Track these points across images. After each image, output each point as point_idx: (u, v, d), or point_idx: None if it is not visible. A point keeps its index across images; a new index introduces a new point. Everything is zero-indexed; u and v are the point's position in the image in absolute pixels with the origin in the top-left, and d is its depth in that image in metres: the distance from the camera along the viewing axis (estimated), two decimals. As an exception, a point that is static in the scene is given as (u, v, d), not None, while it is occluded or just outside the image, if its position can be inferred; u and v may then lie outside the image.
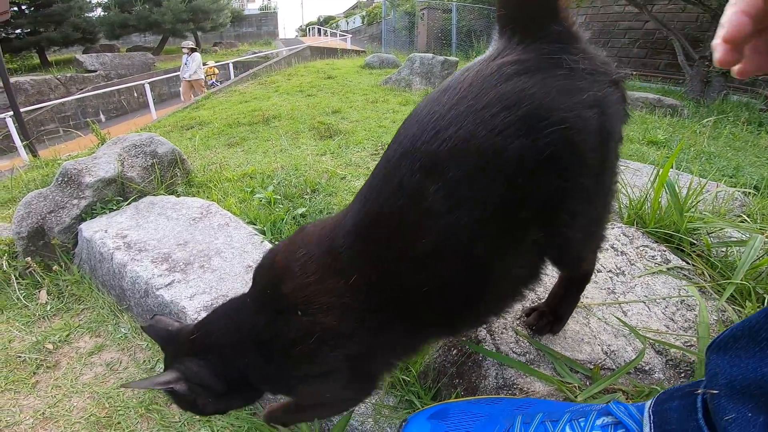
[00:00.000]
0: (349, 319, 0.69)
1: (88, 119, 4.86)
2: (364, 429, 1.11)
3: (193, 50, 10.61)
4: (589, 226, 0.76)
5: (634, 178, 2.18)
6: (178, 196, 2.44)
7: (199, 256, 1.78)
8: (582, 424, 0.68)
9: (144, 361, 1.63)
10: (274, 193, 2.49)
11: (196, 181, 2.82)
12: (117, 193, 2.35)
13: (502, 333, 1.12)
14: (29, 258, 2.05)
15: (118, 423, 1.37)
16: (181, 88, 11.42)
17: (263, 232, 2.05)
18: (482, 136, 0.58)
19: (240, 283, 1.61)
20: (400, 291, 0.68)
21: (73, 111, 12.02)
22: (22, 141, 5.80)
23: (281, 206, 2.36)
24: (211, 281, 1.63)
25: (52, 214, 2.15)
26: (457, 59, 8.06)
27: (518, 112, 0.58)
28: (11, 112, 6.29)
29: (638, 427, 0.64)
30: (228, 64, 15.83)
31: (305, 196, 2.55)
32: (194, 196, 2.50)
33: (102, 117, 13.34)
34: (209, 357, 0.77)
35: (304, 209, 2.33)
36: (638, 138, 4.34)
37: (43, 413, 1.42)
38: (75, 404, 1.46)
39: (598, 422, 0.67)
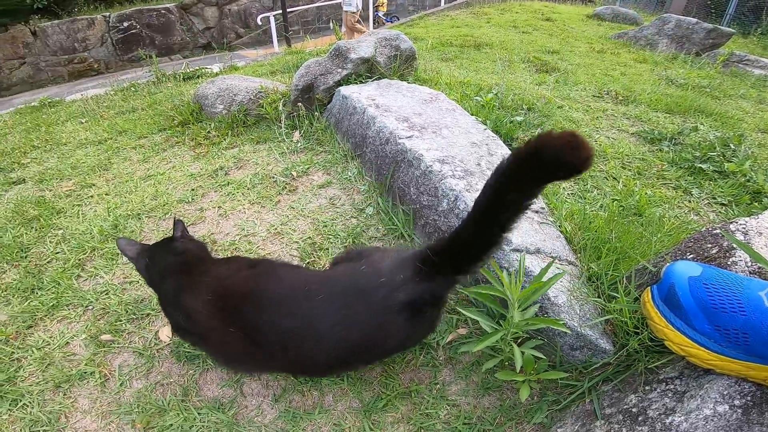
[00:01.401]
0: None
1: (325, 24, 5.64)
2: (557, 302, 1.14)
3: None
4: None
5: None
6: (409, 83, 2.72)
7: (431, 125, 1.99)
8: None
9: (358, 201, 1.99)
10: (492, 101, 2.53)
11: (422, 78, 3.07)
12: (367, 70, 2.76)
13: None
14: (300, 103, 2.64)
15: (326, 249, 1.71)
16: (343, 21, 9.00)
17: (485, 124, 2.14)
18: None
19: (465, 152, 1.75)
20: None
21: (313, 17, 14.35)
22: (278, 36, 7.31)
23: (498, 112, 2.40)
24: (442, 144, 1.82)
25: (322, 76, 2.69)
26: (733, 32, 6.18)
27: None
28: (274, 12, 7.92)
29: None
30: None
31: (520, 110, 2.51)
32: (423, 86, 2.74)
33: (331, 24, 15.54)
34: None
35: (521, 118, 2.32)
36: None
37: (276, 228, 1.86)
38: (299, 226, 1.87)
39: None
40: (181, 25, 11.25)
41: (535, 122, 2.38)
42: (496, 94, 2.71)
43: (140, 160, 2.55)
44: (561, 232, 1.36)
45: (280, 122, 2.65)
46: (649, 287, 0.95)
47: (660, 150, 2.28)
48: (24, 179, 2.51)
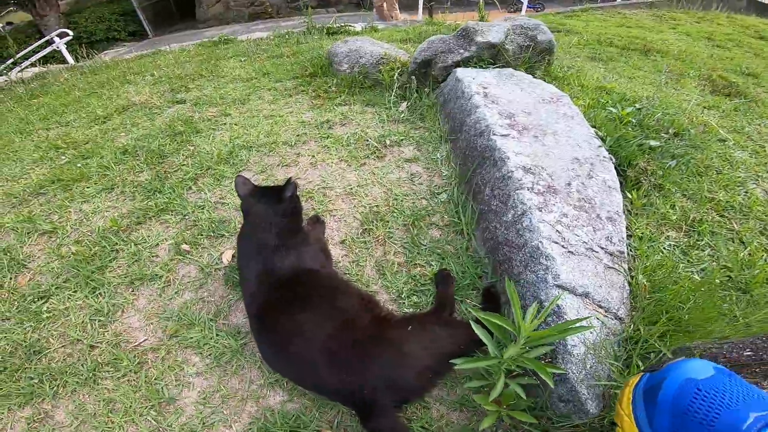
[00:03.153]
0: None
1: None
2: (572, 351, 0.98)
3: None
4: None
5: None
6: (535, 77, 2.48)
7: (536, 128, 1.81)
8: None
9: (436, 185, 1.93)
10: (630, 115, 2.16)
11: (554, 74, 2.77)
12: (491, 56, 2.60)
13: None
14: (415, 76, 2.64)
15: (387, 222, 1.73)
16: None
17: (603, 140, 1.85)
18: None
19: (560, 166, 1.56)
20: None
21: None
22: (424, 3, 7.27)
23: (631, 129, 2.04)
24: (537, 151, 1.65)
25: (443, 54, 2.62)
26: None
27: None
28: None
29: None
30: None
31: (662, 134, 2.09)
32: (550, 84, 2.48)
33: (482, 1, 14.91)
34: None
35: (657, 143, 1.94)
36: None
37: (351, 188, 1.93)
38: (373, 192, 1.92)
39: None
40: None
41: (675, 152, 1.97)
42: (639, 109, 2.30)
43: (269, 101, 2.90)
44: (629, 283, 1.14)
45: (392, 91, 2.71)
46: (643, 372, 0.83)
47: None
48: (185, 100, 3.09)
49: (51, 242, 1.82)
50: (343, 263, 1.59)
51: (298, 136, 2.38)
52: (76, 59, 6.09)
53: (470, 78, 2.30)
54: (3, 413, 1.23)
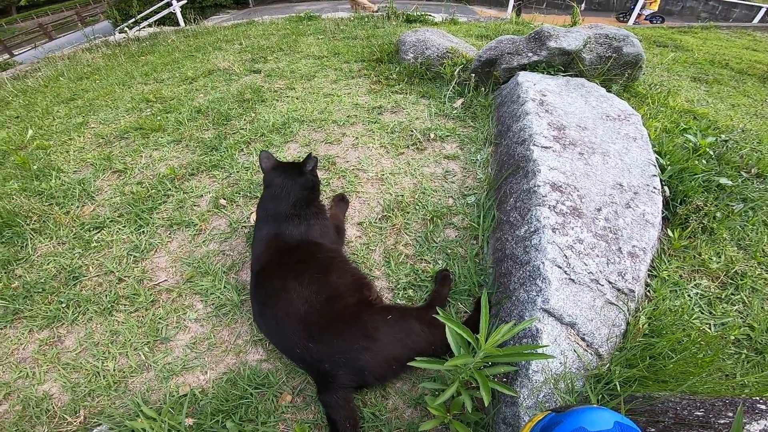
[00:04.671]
0: None
1: (570, 3, 4.99)
2: (531, 377, 0.91)
3: None
4: None
5: None
6: (609, 91, 2.27)
7: (585, 145, 1.68)
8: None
9: (467, 187, 1.87)
10: (710, 145, 1.89)
11: (635, 90, 2.51)
12: (563, 63, 2.42)
13: None
14: (476, 74, 2.56)
15: (408, 213, 1.73)
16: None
17: (662, 170, 1.66)
18: None
19: (598, 189, 1.44)
20: None
21: None
22: (515, 1, 6.90)
23: (705, 162, 1.79)
24: (577, 170, 1.53)
25: (509, 55, 2.50)
26: None
27: None
28: None
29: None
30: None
31: (743, 173, 1.81)
32: (623, 99, 2.26)
33: (582, 6, 13.80)
34: None
35: (729, 182, 1.68)
36: None
37: (383, 174, 1.96)
38: (403, 181, 1.92)
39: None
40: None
41: (749, 194, 1.70)
42: (724, 141, 2.01)
43: (332, 80, 3.01)
44: (628, 323, 1.04)
45: (450, 85, 2.66)
46: (549, 411, 0.77)
47: None
48: (260, 71, 3.32)
49: (119, 180, 2.11)
50: (355, 244, 1.64)
51: (348, 117, 2.46)
52: (186, 23, 6.80)
53: (530, 83, 2.18)
54: (23, 333, 1.42)
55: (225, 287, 1.50)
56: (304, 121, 2.45)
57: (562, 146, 1.66)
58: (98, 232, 1.78)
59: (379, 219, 1.74)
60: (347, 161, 2.10)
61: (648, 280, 1.25)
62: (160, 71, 3.73)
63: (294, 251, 1.31)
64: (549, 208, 1.32)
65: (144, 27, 6.44)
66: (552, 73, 2.41)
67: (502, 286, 1.25)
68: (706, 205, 1.46)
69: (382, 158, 2.11)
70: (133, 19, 6.71)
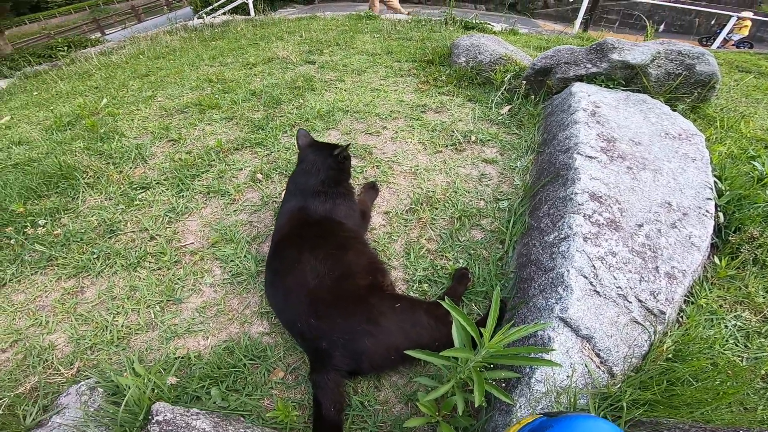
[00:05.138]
0: None
1: (644, 22, 4.71)
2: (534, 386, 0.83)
3: None
4: None
5: None
6: (673, 110, 2.11)
7: (636, 160, 1.57)
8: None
9: (502, 192, 1.80)
10: (783, 178, 1.70)
11: (703, 112, 2.31)
12: (625, 78, 2.28)
13: None
14: (528, 82, 2.48)
15: (437, 209, 1.71)
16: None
17: (719, 194, 1.51)
18: None
19: (642, 206, 1.33)
20: None
21: (638, 13, 12.48)
22: (585, 17, 6.63)
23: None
24: (622, 183, 1.43)
25: (565, 65, 2.40)
26: None
27: None
28: None
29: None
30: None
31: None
32: (689, 119, 2.09)
33: (661, 27, 12.98)
34: None
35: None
36: None
37: (417, 169, 1.94)
38: (436, 179, 1.90)
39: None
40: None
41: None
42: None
43: (382, 76, 3.05)
44: (651, 344, 0.94)
45: (499, 91, 2.60)
46: (540, 415, 0.71)
47: None
48: (314, 62, 3.43)
49: (172, 148, 2.26)
50: (378, 232, 1.64)
51: (391, 112, 2.47)
52: (256, 13, 7.21)
53: (585, 94, 2.07)
54: (51, 281, 1.50)
55: (245, 257, 1.55)
56: (348, 111, 2.50)
57: (609, 158, 1.56)
58: (143, 192, 1.92)
59: (407, 211, 1.73)
60: (384, 153, 2.11)
61: (682, 305, 1.14)
62: (225, 55, 3.96)
63: (316, 226, 1.33)
64: (584, 216, 1.24)
65: (219, 14, 6.92)
66: (611, 86, 2.28)
67: (521, 292, 1.20)
68: (762, 236, 1.31)
69: (418, 154, 2.10)
70: (211, 7, 7.22)
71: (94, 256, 1.60)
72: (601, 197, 1.34)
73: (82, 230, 1.72)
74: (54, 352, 1.30)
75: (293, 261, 1.20)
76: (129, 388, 1.00)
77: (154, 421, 0.85)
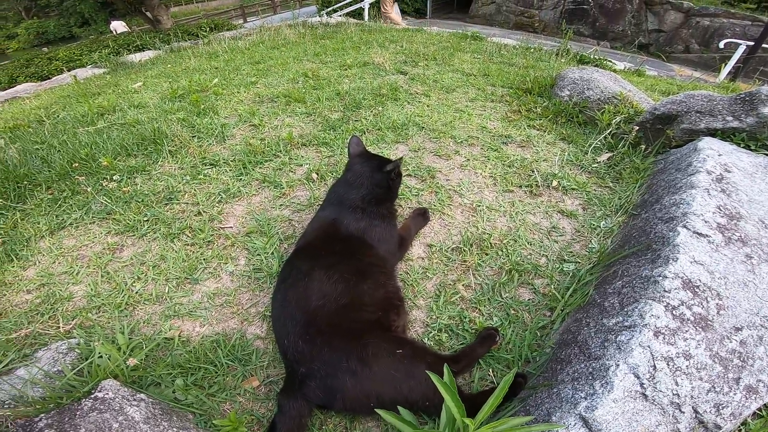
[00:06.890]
0: None
1: None
2: None
3: None
4: None
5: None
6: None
7: (761, 248, 1.18)
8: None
9: (571, 252, 1.49)
10: None
11: None
12: (777, 138, 1.80)
13: None
14: (642, 128, 2.10)
15: (484, 254, 1.48)
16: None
17: None
18: None
19: (749, 308, 0.97)
20: None
21: None
22: (736, 68, 5.69)
23: None
24: (730, 275, 1.07)
25: (697, 114, 1.97)
26: None
27: None
28: (748, 42, 6.09)
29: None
30: None
31: None
32: None
33: None
34: None
35: None
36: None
37: (480, 207, 1.73)
38: (497, 221, 1.66)
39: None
40: (632, 17, 10.62)
41: None
42: None
43: (470, 98, 2.87)
44: None
45: (601, 135, 2.25)
46: None
47: None
48: (406, 72, 3.40)
49: (249, 132, 2.37)
50: (414, 264, 1.48)
51: (469, 136, 2.29)
52: (369, 19, 7.52)
53: (714, 152, 1.66)
54: (101, 233, 1.57)
55: (272, 254, 1.51)
56: (424, 128, 2.37)
57: (726, 240, 1.19)
58: (210, 168, 2.02)
59: (452, 249, 1.54)
60: (448, 179, 1.94)
61: (750, 419, 0.82)
62: (327, 54, 4.14)
63: (341, 243, 1.22)
64: (666, 306, 0.94)
65: (337, 15, 7.38)
66: (752, 147, 1.81)
67: (550, 372, 0.95)
68: None
69: (485, 188, 1.88)
70: (332, 7, 7.76)
71: (145, 218, 1.69)
72: (697, 287, 1.02)
73: (146, 192, 1.85)
74: (67, 304, 1.34)
75: (304, 274, 1.11)
76: (101, 357, 0.99)
77: (92, 396, 0.82)
